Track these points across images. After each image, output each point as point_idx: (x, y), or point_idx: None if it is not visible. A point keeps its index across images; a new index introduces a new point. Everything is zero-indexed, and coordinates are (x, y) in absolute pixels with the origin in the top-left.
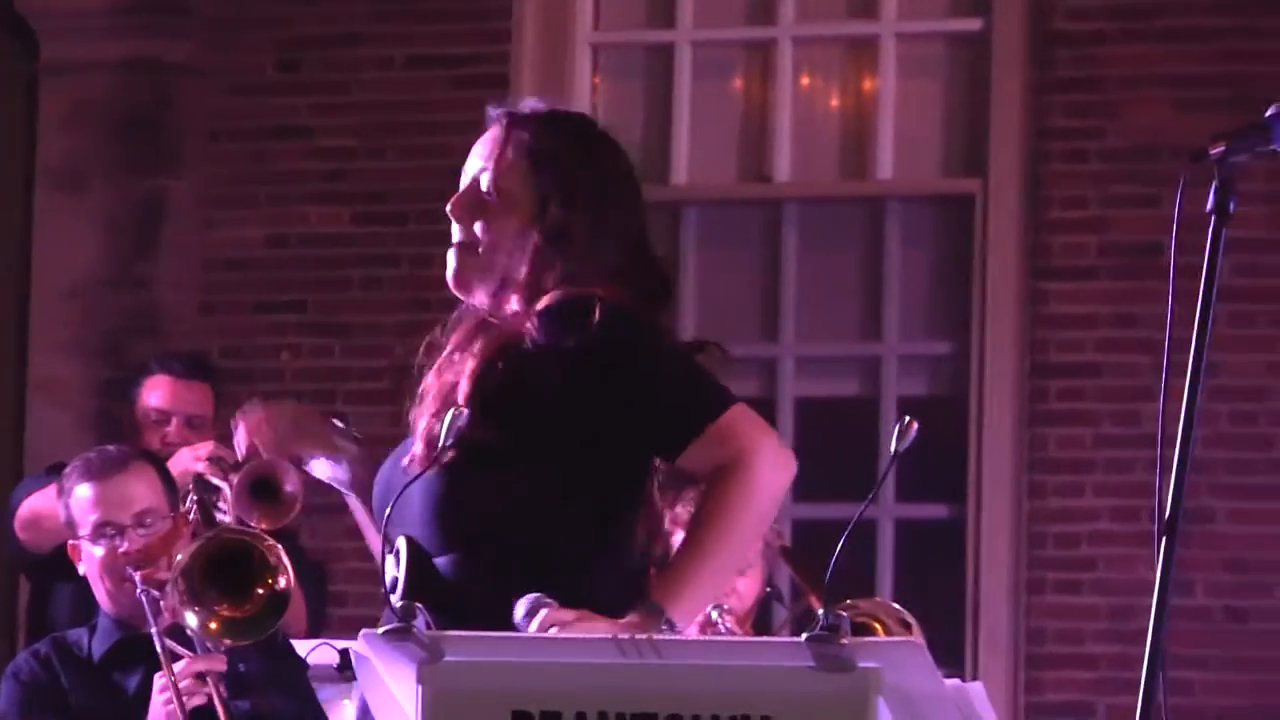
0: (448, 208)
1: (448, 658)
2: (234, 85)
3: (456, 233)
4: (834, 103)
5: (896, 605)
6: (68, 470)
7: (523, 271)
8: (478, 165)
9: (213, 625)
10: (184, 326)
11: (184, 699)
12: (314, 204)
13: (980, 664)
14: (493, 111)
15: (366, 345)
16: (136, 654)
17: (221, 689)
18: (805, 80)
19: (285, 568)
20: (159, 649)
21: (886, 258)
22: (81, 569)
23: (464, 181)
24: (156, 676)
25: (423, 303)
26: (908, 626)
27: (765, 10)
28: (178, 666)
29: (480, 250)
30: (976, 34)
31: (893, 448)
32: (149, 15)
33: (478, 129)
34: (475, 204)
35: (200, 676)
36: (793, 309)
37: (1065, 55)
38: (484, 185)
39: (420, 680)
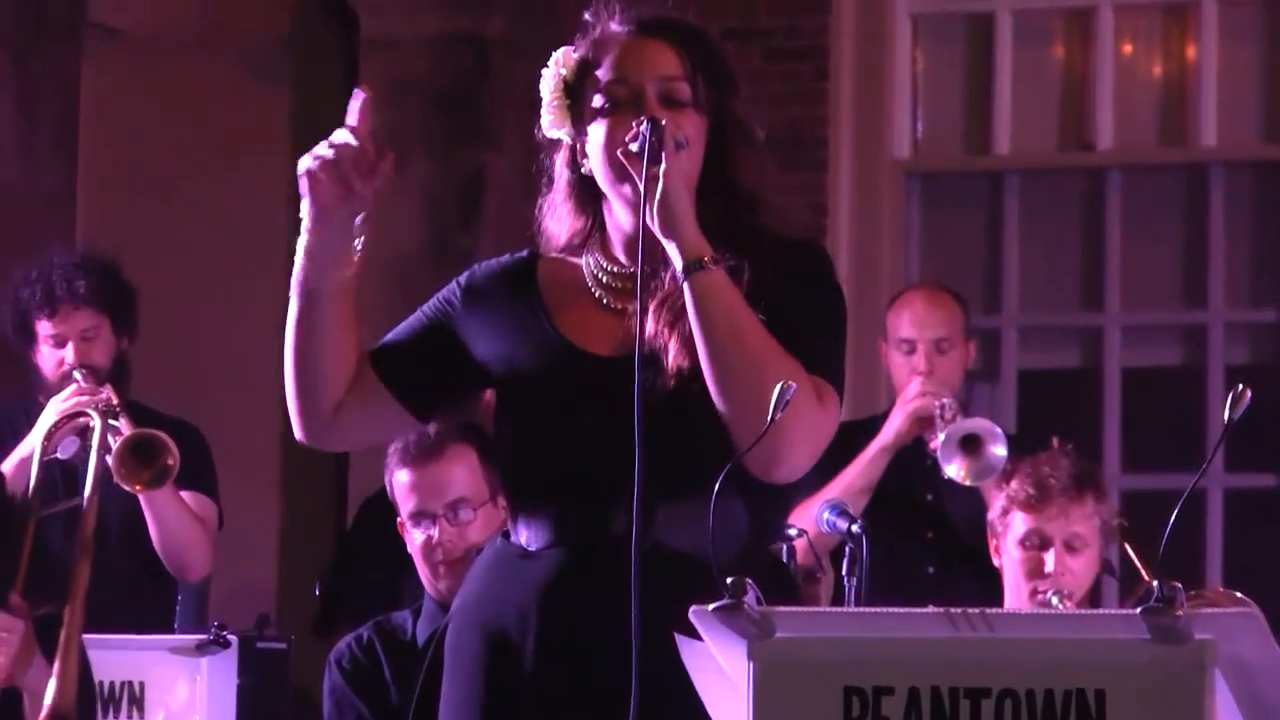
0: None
1: (779, 634)
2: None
3: None
4: (1155, 69)
5: (1238, 594)
6: (390, 450)
7: None
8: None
9: None
10: None
11: None
12: None
13: None
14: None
15: None
16: None
17: None
18: (1126, 47)
19: None
20: None
21: (1210, 224)
22: (410, 546)
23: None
24: None
25: None
26: None
27: None
28: None
29: None
30: None
31: (1225, 416)
32: None
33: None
34: None
35: None
36: (1116, 277)
37: None
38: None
39: (751, 657)
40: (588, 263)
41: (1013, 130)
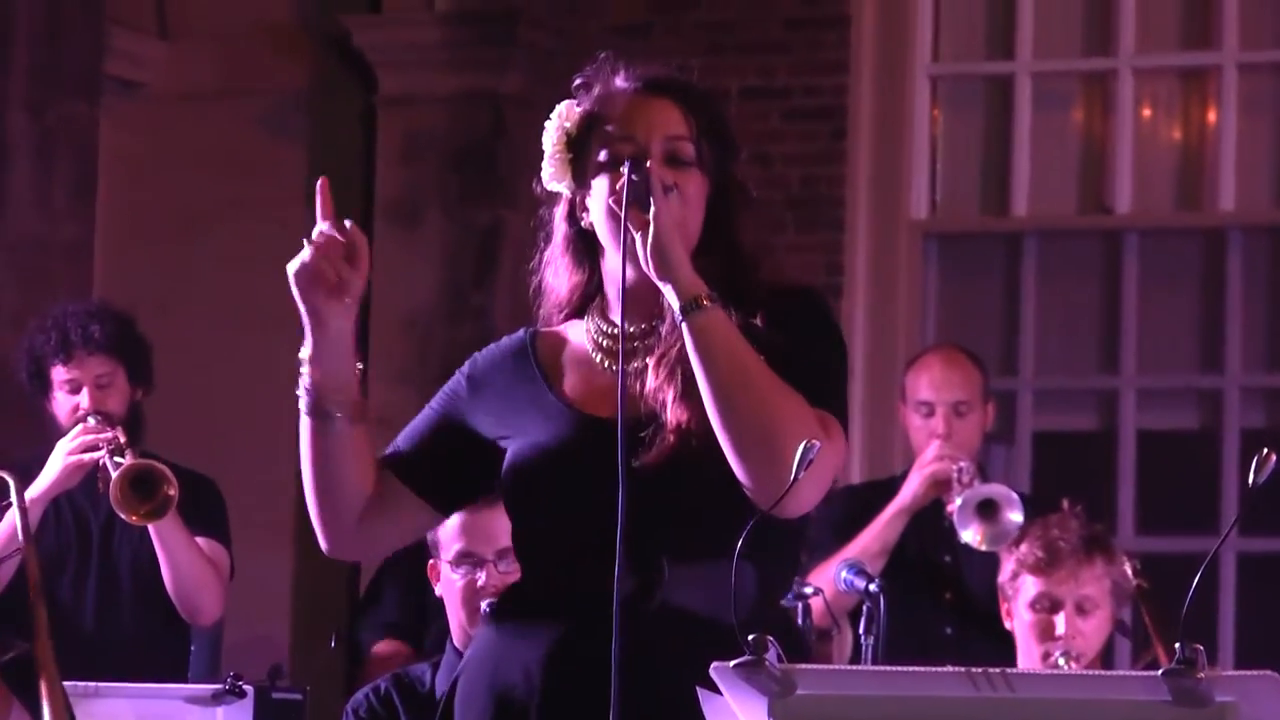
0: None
1: (800, 691)
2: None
3: None
4: (1174, 134)
5: None
6: None
7: None
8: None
9: None
10: None
11: None
12: None
13: None
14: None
15: None
16: None
17: None
18: (1145, 111)
19: None
20: None
21: (1227, 288)
22: (438, 590)
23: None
24: None
25: None
26: None
27: (1104, 41)
28: None
29: None
30: None
31: (1250, 480)
32: (482, 47)
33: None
34: None
35: None
36: (1133, 340)
37: None
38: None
39: (771, 714)
40: (589, 328)
41: (1031, 192)
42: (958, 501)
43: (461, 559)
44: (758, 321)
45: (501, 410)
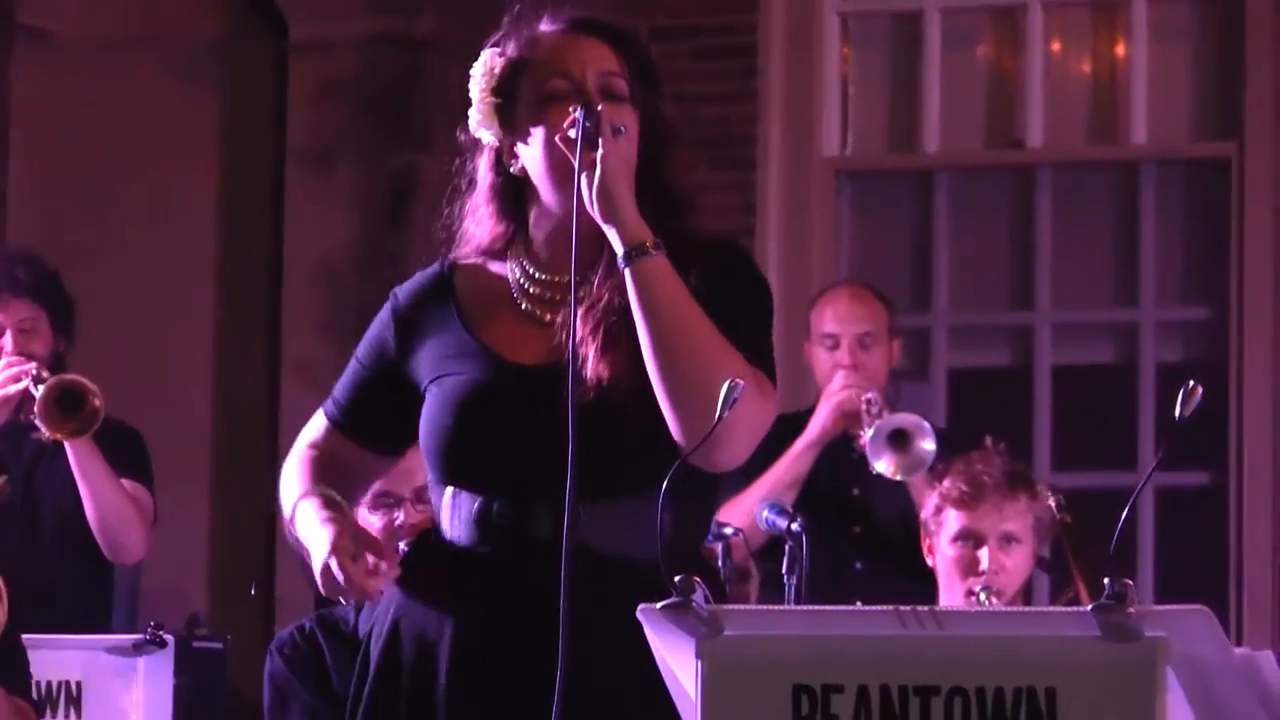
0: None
1: (727, 632)
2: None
3: None
4: (1085, 67)
5: None
6: None
7: None
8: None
9: None
10: None
11: None
12: None
13: (1244, 632)
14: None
15: None
16: None
17: None
18: (1055, 45)
19: None
20: None
21: (1141, 222)
22: None
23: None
24: None
25: None
26: None
27: None
28: None
29: None
30: None
31: (1176, 412)
32: None
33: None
34: None
35: None
36: (1047, 276)
37: None
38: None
39: (699, 655)
40: (511, 269)
41: (942, 128)
42: (869, 433)
43: (379, 500)
44: (690, 278)
45: (428, 357)
